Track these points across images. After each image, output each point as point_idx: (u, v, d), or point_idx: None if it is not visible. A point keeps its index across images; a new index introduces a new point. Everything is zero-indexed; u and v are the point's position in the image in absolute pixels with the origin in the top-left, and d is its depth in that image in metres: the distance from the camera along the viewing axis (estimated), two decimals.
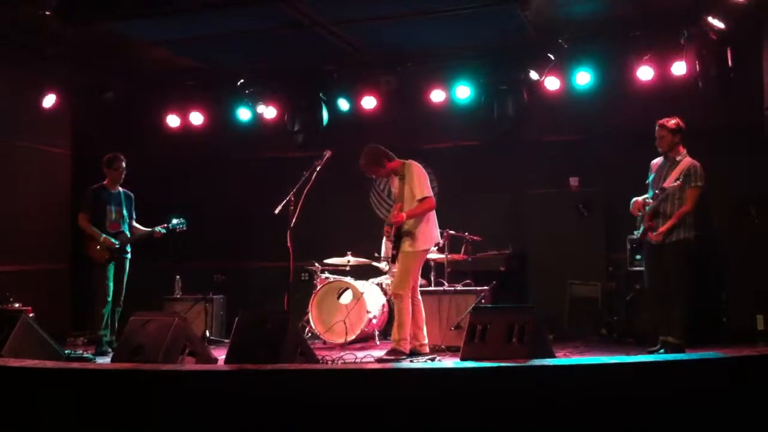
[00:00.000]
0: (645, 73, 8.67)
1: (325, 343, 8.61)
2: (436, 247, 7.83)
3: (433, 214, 7.23)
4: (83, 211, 8.08)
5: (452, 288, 8.26)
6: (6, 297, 8.24)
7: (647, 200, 6.95)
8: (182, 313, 7.89)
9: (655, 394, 3.93)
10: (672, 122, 6.88)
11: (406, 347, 7.03)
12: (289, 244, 7.04)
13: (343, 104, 10.07)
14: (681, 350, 6.58)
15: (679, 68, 8.54)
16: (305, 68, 9.90)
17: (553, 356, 5.70)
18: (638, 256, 8.14)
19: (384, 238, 8.65)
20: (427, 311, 7.40)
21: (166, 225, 8.31)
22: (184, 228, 8.40)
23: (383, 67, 9.62)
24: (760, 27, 8.04)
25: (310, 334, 8.76)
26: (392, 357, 6.98)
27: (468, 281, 8.51)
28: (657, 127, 6.93)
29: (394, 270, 7.41)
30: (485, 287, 8.21)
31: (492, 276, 8.66)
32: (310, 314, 8.73)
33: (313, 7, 7.92)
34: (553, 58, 8.92)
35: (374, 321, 8.66)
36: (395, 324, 7.17)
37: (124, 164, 8.14)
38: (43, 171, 9.86)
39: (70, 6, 7.80)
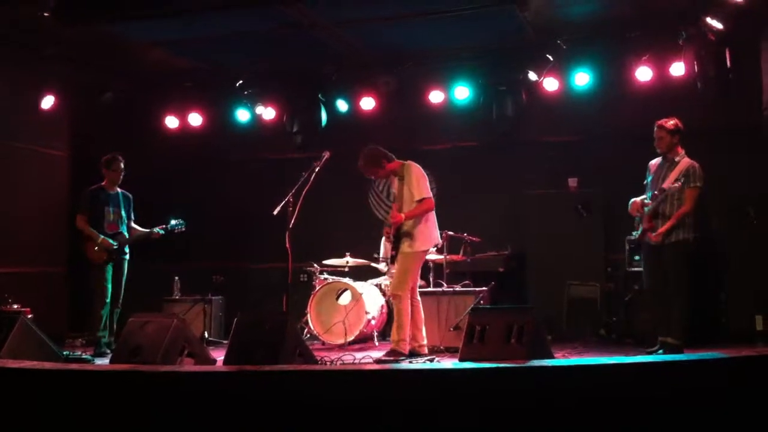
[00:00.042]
0: (643, 73, 8.68)
1: (323, 344, 8.60)
2: (435, 248, 7.83)
3: (432, 215, 7.23)
4: (81, 212, 8.07)
5: (451, 289, 8.26)
6: (4, 298, 8.24)
7: (645, 201, 6.94)
8: (181, 314, 7.89)
9: (654, 394, 3.93)
10: (670, 123, 6.88)
11: (406, 348, 7.02)
12: (287, 245, 7.03)
13: (342, 105, 10.08)
14: (680, 351, 6.58)
15: (677, 69, 8.55)
16: (304, 69, 9.91)
17: (551, 357, 5.69)
18: (637, 257, 8.14)
19: (383, 239, 8.65)
20: (426, 312, 7.39)
21: (164, 226, 8.30)
22: (183, 229, 8.38)
23: (382, 68, 9.62)
24: (758, 28, 8.05)
25: (308, 335, 8.75)
26: (391, 358, 6.98)
27: (467, 282, 8.51)
28: (655, 128, 6.93)
29: (393, 271, 7.41)
30: (484, 288, 8.21)
31: (491, 277, 8.67)
32: (308, 315, 8.72)
33: (313, 8, 7.92)
34: (551, 58, 8.93)
35: (373, 322, 8.66)
36: (394, 325, 7.17)
37: (122, 165, 8.13)
38: (42, 172, 9.85)
39: (67, 7, 7.80)
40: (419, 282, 7.51)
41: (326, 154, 7.39)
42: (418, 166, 7.27)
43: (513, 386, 4.13)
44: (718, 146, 8.34)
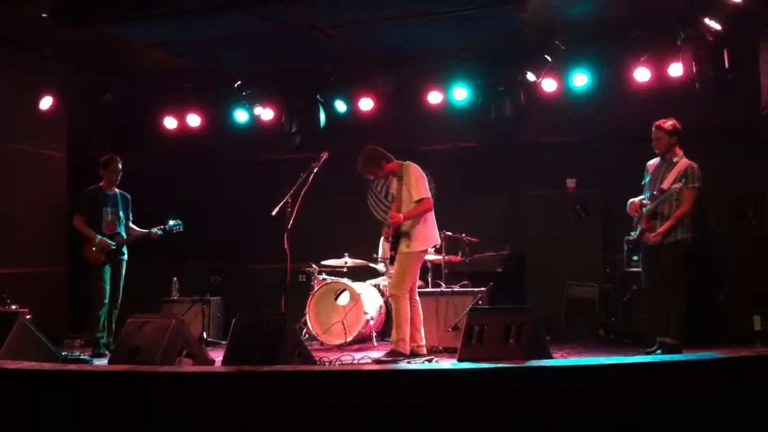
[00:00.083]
0: (642, 74, 8.69)
1: (322, 344, 8.61)
2: (434, 249, 7.83)
3: (431, 216, 7.23)
4: (79, 212, 8.07)
5: (449, 289, 8.26)
6: (3, 299, 8.24)
7: (644, 201, 6.95)
8: (179, 314, 7.89)
9: (652, 394, 3.93)
10: (668, 123, 6.88)
11: (406, 348, 7.02)
12: (286, 246, 7.04)
13: (341, 106, 10.08)
14: (678, 351, 6.58)
15: (675, 69, 8.55)
16: (302, 70, 9.91)
17: (550, 357, 5.69)
18: (635, 257, 8.14)
19: (381, 239, 8.65)
20: (425, 312, 7.40)
21: (162, 226, 8.28)
22: (181, 229, 8.37)
23: (380, 68, 9.62)
24: (756, 28, 8.06)
25: (307, 336, 8.75)
26: (390, 358, 6.98)
27: (465, 282, 8.51)
28: (653, 129, 6.94)
29: (392, 271, 7.41)
30: (482, 288, 8.22)
31: (489, 277, 8.67)
32: (307, 316, 8.72)
33: (312, 8, 7.92)
34: (550, 59, 8.93)
35: (372, 322, 8.66)
36: (394, 325, 7.17)
37: (120, 165, 8.13)
38: (40, 173, 9.84)
39: (66, 8, 7.80)
40: (418, 282, 7.51)
41: (325, 155, 7.39)
42: (417, 166, 7.27)
43: (512, 387, 4.13)
44: (716, 147, 8.35)
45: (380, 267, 9.06)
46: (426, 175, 7.30)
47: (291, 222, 7.11)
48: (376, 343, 8.67)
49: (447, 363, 6.69)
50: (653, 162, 7.07)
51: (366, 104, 9.87)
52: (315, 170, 7.32)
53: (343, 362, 6.99)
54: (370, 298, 8.72)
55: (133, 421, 4.27)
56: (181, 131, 10.48)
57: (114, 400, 4.38)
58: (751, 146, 8.35)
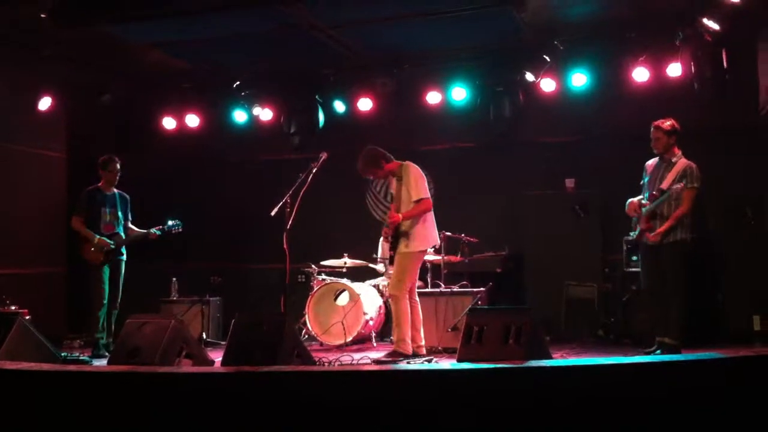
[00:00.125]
0: (640, 74, 8.69)
1: (321, 344, 8.61)
2: (433, 249, 7.83)
3: (430, 216, 7.23)
4: (77, 213, 8.07)
5: (449, 290, 8.26)
6: (2, 300, 8.24)
7: (643, 202, 6.95)
8: (179, 315, 7.89)
9: (652, 395, 3.94)
10: (667, 124, 6.89)
11: (408, 348, 7.01)
12: (285, 246, 7.04)
13: (339, 106, 10.08)
14: (677, 351, 6.59)
15: (674, 70, 8.56)
16: (301, 70, 9.91)
17: (549, 357, 5.69)
18: (634, 257, 8.15)
19: (381, 239, 8.65)
20: (424, 313, 7.40)
21: (161, 227, 8.28)
22: (180, 230, 8.37)
23: (379, 69, 9.62)
24: (755, 28, 8.06)
25: (306, 336, 8.75)
26: (390, 359, 6.98)
27: (464, 283, 8.51)
28: (652, 129, 6.94)
29: (391, 271, 7.41)
30: (482, 289, 8.22)
31: (488, 277, 8.67)
32: (306, 316, 8.72)
33: (312, 9, 7.92)
34: (548, 59, 8.94)
35: (371, 323, 8.66)
36: (394, 325, 7.18)
37: (118, 166, 8.13)
38: (40, 174, 9.84)
39: (65, 9, 7.80)
40: (417, 283, 7.51)
41: (323, 155, 7.39)
42: (417, 166, 7.28)
43: (511, 387, 4.13)
44: (715, 147, 8.35)
45: (380, 267, 9.07)
46: (425, 175, 7.30)
47: (290, 222, 7.11)
48: (375, 344, 8.67)
49: (446, 363, 6.69)
50: (652, 162, 7.07)
51: (365, 104, 9.87)
52: (314, 170, 7.31)
53: (343, 363, 7.00)
54: (369, 298, 8.72)
55: (133, 421, 4.27)
56: (180, 131, 10.48)
57: (113, 400, 4.38)
58: (749, 146, 8.36)
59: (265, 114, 10.29)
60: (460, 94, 9.51)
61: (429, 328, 7.66)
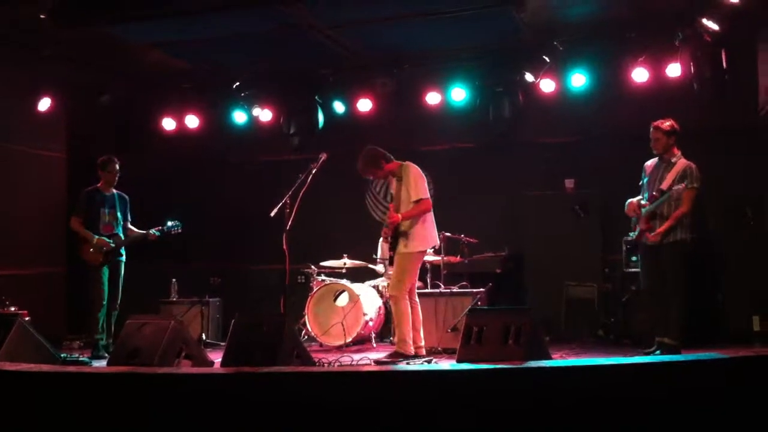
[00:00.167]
0: (640, 74, 8.69)
1: (321, 345, 8.61)
2: (433, 250, 7.83)
3: (430, 216, 7.22)
4: (76, 213, 8.07)
5: (448, 290, 8.26)
6: (2, 300, 8.23)
7: (642, 202, 6.95)
8: (179, 316, 7.89)
9: (651, 395, 3.94)
10: (666, 124, 6.89)
11: (409, 349, 7.00)
12: (285, 247, 7.04)
13: (339, 107, 10.08)
14: (677, 351, 6.59)
15: (673, 70, 8.56)
16: (301, 71, 9.91)
17: (549, 358, 5.69)
18: (634, 258, 8.14)
19: (380, 240, 8.65)
20: (424, 313, 7.39)
21: (160, 227, 8.27)
22: (179, 230, 8.36)
23: (379, 69, 9.63)
24: (754, 28, 8.07)
25: (306, 337, 8.75)
26: (390, 359, 6.98)
27: (464, 283, 8.51)
28: (651, 129, 6.94)
29: (391, 272, 7.41)
30: (481, 289, 8.22)
31: (488, 278, 8.67)
32: (306, 317, 8.72)
33: (312, 9, 7.92)
34: (548, 60, 8.93)
35: (371, 323, 8.66)
36: (395, 326, 7.18)
37: (117, 166, 8.12)
38: (39, 174, 9.84)
39: (65, 9, 7.79)
40: (417, 283, 7.50)
41: (323, 156, 7.39)
42: (417, 167, 7.27)
43: (510, 387, 4.13)
44: (714, 147, 8.35)
45: (379, 268, 9.06)
46: (425, 175, 7.30)
47: (290, 223, 7.11)
48: (375, 344, 8.67)
49: (446, 364, 6.69)
50: (651, 162, 7.07)
51: (364, 105, 9.87)
52: (313, 171, 7.32)
53: (342, 363, 6.99)
54: (369, 299, 8.72)
55: (133, 422, 4.27)
56: (180, 132, 10.48)
57: (113, 401, 4.37)
58: (749, 146, 8.36)
59: (264, 114, 10.29)
60: (459, 94, 9.51)
61: (429, 329, 7.66)
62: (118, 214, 8.14)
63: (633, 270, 8.19)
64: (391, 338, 8.36)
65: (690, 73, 8.35)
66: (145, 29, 8.35)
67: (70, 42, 8.55)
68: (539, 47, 8.91)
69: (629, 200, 7.08)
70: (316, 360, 6.53)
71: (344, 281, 8.85)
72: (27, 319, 7.26)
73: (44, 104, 9.62)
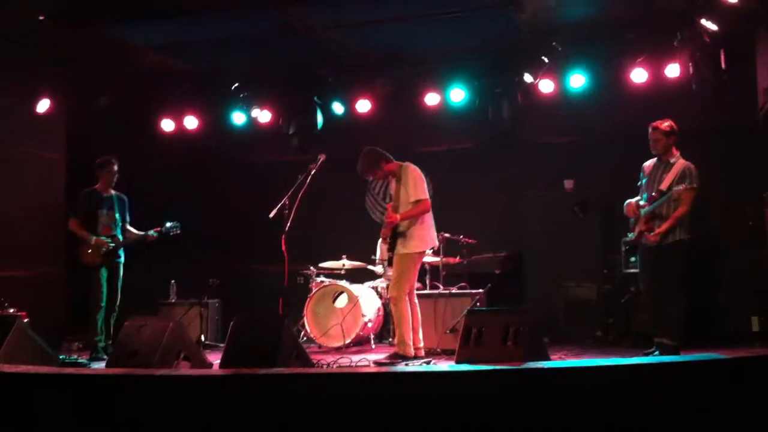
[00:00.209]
0: (639, 75, 8.69)
1: (320, 347, 8.60)
2: (432, 250, 7.82)
3: (428, 217, 7.21)
4: (74, 215, 8.06)
5: (447, 291, 8.26)
6: (1, 302, 8.21)
7: (641, 203, 6.95)
8: (177, 317, 7.88)
9: (650, 395, 3.94)
10: (665, 125, 6.89)
11: (409, 351, 6.98)
12: (284, 248, 7.04)
13: (338, 108, 10.07)
14: (676, 352, 6.58)
15: (672, 70, 8.56)
16: (300, 72, 9.91)
17: (548, 359, 5.70)
18: (633, 258, 8.14)
19: (379, 241, 8.64)
20: (423, 314, 7.39)
21: (159, 228, 8.26)
22: (178, 231, 8.35)
23: (378, 70, 9.62)
24: (753, 29, 8.06)
25: (305, 338, 8.74)
26: (389, 361, 6.97)
27: (463, 284, 8.51)
28: (650, 130, 6.93)
29: (390, 273, 7.40)
30: (480, 290, 8.22)
31: (487, 278, 8.68)
32: (305, 318, 8.72)
33: (311, 10, 7.92)
34: (547, 60, 8.93)
35: (370, 325, 8.65)
36: (395, 327, 7.18)
37: (116, 167, 8.11)
38: (38, 176, 9.81)
39: (65, 10, 7.79)
40: (416, 284, 7.50)
41: (322, 157, 7.40)
42: (416, 167, 7.27)
43: (509, 388, 4.13)
44: (713, 147, 8.36)
45: (378, 269, 9.06)
46: (424, 176, 7.29)
47: (288, 224, 7.11)
48: (374, 346, 8.67)
49: (445, 365, 6.69)
50: (649, 163, 7.07)
51: (363, 106, 9.87)
52: (312, 172, 7.32)
53: (341, 365, 6.99)
54: (368, 300, 8.71)
55: (131, 424, 4.27)
56: (179, 133, 10.47)
57: (112, 403, 4.37)
58: (748, 147, 8.35)
59: (263, 115, 10.28)
60: (458, 95, 9.51)
61: (428, 330, 7.66)
62: (117, 215, 8.13)
63: (632, 271, 8.18)
64: (391, 339, 8.37)
65: (689, 73, 8.35)
66: (143, 30, 8.35)
67: (69, 43, 8.55)
68: (538, 48, 8.90)
69: (628, 201, 7.08)
70: (315, 361, 6.54)
71: (343, 282, 8.85)
72: (26, 320, 7.26)
73: (43, 105, 9.60)
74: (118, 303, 8.04)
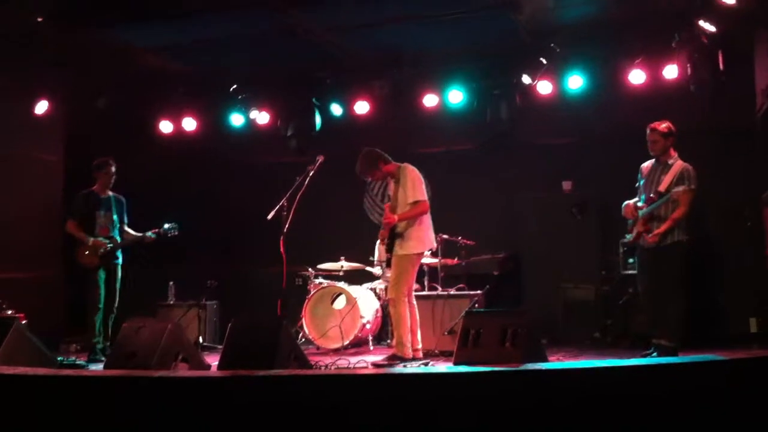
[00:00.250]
0: (637, 76, 8.70)
1: (318, 348, 8.60)
2: (430, 252, 7.82)
3: (426, 218, 7.21)
4: (71, 216, 8.05)
5: (446, 292, 8.26)
6: None
7: (639, 204, 6.95)
8: (176, 319, 7.88)
9: (648, 397, 3.94)
10: (663, 126, 6.88)
11: (407, 352, 6.98)
12: (282, 250, 7.03)
13: (336, 109, 10.07)
14: (674, 353, 6.58)
15: (670, 71, 8.56)
16: (298, 73, 9.91)
17: (546, 360, 5.69)
18: (631, 260, 8.16)
19: (378, 242, 8.64)
20: (421, 316, 7.38)
21: (157, 230, 8.25)
22: (176, 233, 8.34)
23: (376, 72, 9.62)
24: (751, 30, 8.07)
25: (303, 340, 8.74)
26: (387, 362, 6.97)
27: (461, 285, 8.51)
28: (648, 131, 6.93)
29: (388, 274, 7.40)
30: (479, 291, 8.22)
31: (486, 280, 8.67)
32: (303, 320, 8.71)
33: (309, 11, 7.92)
34: (545, 62, 8.93)
35: (368, 326, 8.65)
36: (393, 329, 7.17)
37: (113, 169, 8.10)
38: (36, 177, 9.81)
39: (63, 12, 7.79)
40: (414, 286, 7.50)
41: (320, 158, 7.40)
42: (415, 169, 7.27)
43: (508, 390, 4.13)
44: (711, 148, 8.37)
45: (376, 270, 9.06)
46: (423, 177, 7.29)
47: (287, 226, 7.10)
48: (372, 347, 8.66)
49: (443, 366, 6.69)
50: (647, 164, 7.06)
51: (362, 107, 9.87)
52: (311, 174, 7.32)
53: (339, 366, 6.99)
54: (366, 301, 8.71)
55: (129, 426, 4.26)
56: (177, 134, 10.46)
57: (110, 405, 4.37)
58: (746, 148, 8.35)
59: (262, 117, 10.28)
60: (457, 96, 9.51)
61: (426, 331, 7.65)
62: (114, 216, 8.12)
63: (630, 272, 8.19)
64: (389, 341, 8.37)
65: (687, 74, 8.35)
66: (142, 32, 8.36)
67: (68, 45, 8.54)
68: (536, 49, 8.91)
69: (626, 202, 7.07)
70: (313, 363, 6.53)
71: (341, 284, 8.85)
72: (24, 322, 7.24)
73: (41, 107, 9.61)
74: (116, 304, 8.02)
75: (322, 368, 6.72)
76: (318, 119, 10.00)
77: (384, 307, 8.70)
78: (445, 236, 8.38)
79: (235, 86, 10.01)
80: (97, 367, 7.10)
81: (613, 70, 8.87)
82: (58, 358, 6.98)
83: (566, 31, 8.55)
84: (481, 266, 8.99)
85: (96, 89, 9.83)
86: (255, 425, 4.15)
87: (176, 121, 10.42)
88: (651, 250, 6.83)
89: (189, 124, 10.38)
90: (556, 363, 6.04)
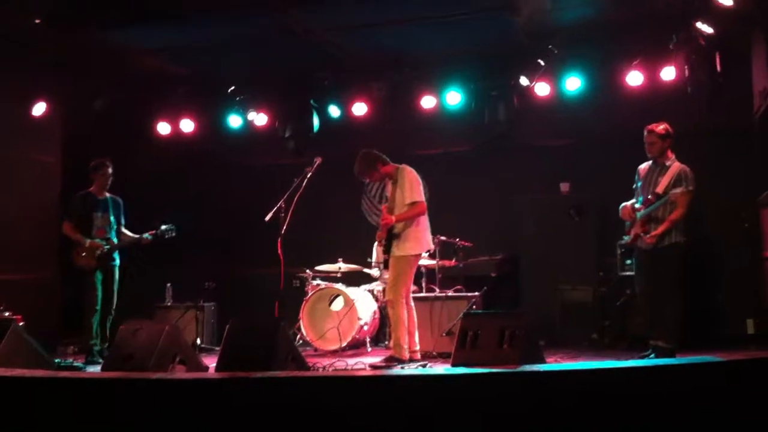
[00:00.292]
0: (634, 78, 8.71)
1: (316, 350, 8.59)
2: (428, 253, 7.82)
3: (424, 219, 7.21)
4: (68, 218, 8.03)
5: (444, 294, 8.26)
6: None
7: (636, 206, 6.95)
8: (173, 321, 7.87)
9: (646, 398, 3.94)
10: (660, 127, 6.88)
11: (404, 354, 6.98)
12: (279, 251, 7.03)
13: (334, 111, 10.07)
14: (672, 354, 6.58)
15: (668, 73, 8.57)
16: (296, 74, 9.91)
17: (543, 361, 5.69)
18: (629, 261, 8.15)
19: (375, 244, 8.64)
20: (419, 317, 7.38)
21: (154, 231, 8.23)
22: (174, 234, 8.32)
23: (374, 73, 9.63)
24: (748, 31, 8.08)
25: (301, 341, 8.73)
26: (385, 364, 6.96)
27: (459, 287, 8.50)
28: (646, 133, 6.93)
29: (386, 276, 7.39)
30: (476, 293, 8.21)
31: (484, 281, 8.66)
32: (301, 321, 8.71)
33: (308, 13, 7.92)
34: (543, 63, 8.94)
35: (366, 328, 8.64)
36: (391, 330, 7.16)
37: (110, 170, 8.08)
38: (34, 179, 9.80)
39: (61, 14, 7.78)
40: (412, 287, 7.49)
41: (318, 160, 7.40)
42: (413, 170, 7.27)
43: (505, 391, 4.13)
44: (709, 150, 8.37)
45: (374, 272, 9.05)
46: (420, 179, 7.29)
47: (285, 227, 7.10)
48: (370, 349, 8.65)
49: (441, 368, 6.68)
50: (644, 166, 7.06)
51: (360, 109, 9.87)
52: (309, 175, 7.33)
53: (337, 368, 6.98)
54: (364, 303, 8.70)
55: (127, 428, 4.26)
56: (175, 136, 10.46)
57: (107, 407, 4.36)
58: (744, 149, 8.36)
59: (260, 118, 10.28)
60: (454, 98, 9.52)
61: (424, 333, 7.64)
62: (111, 217, 8.09)
63: (628, 273, 8.19)
64: (387, 343, 8.36)
65: (684, 76, 8.35)
66: (139, 34, 8.35)
67: (65, 47, 8.53)
68: (534, 51, 8.91)
69: (623, 204, 7.07)
70: (311, 364, 6.54)
71: (339, 285, 8.84)
72: (21, 324, 7.24)
73: (39, 108, 9.60)
74: (113, 306, 8.00)
75: (320, 370, 6.71)
76: (316, 120, 10.00)
77: (382, 309, 8.69)
78: (442, 238, 8.38)
79: (233, 88, 10.01)
80: (95, 370, 7.09)
81: (610, 71, 8.88)
82: (56, 360, 6.97)
83: (564, 32, 8.56)
84: (479, 268, 8.99)
85: (94, 91, 9.81)
86: (253, 427, 4.15)
87: (174, 123, 10.42)
88: (649, 251, 6.83)
89: (187, 125, 10.39)
90: (554, 364, 6.04)
